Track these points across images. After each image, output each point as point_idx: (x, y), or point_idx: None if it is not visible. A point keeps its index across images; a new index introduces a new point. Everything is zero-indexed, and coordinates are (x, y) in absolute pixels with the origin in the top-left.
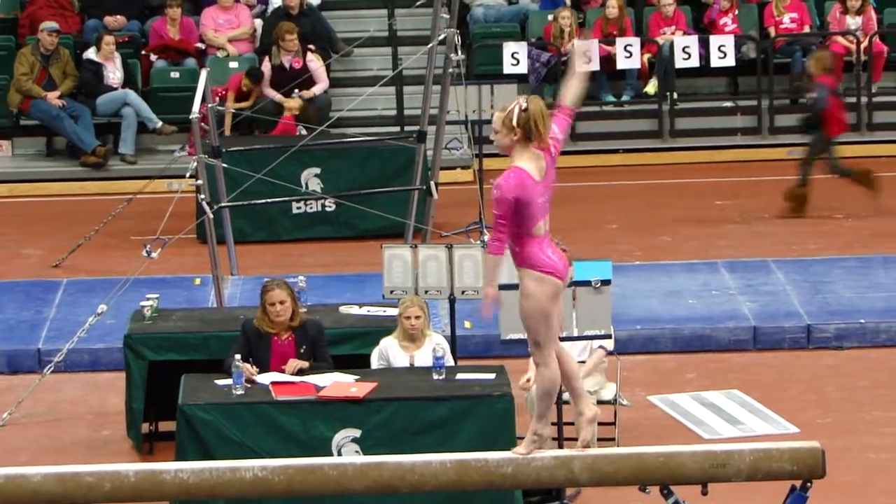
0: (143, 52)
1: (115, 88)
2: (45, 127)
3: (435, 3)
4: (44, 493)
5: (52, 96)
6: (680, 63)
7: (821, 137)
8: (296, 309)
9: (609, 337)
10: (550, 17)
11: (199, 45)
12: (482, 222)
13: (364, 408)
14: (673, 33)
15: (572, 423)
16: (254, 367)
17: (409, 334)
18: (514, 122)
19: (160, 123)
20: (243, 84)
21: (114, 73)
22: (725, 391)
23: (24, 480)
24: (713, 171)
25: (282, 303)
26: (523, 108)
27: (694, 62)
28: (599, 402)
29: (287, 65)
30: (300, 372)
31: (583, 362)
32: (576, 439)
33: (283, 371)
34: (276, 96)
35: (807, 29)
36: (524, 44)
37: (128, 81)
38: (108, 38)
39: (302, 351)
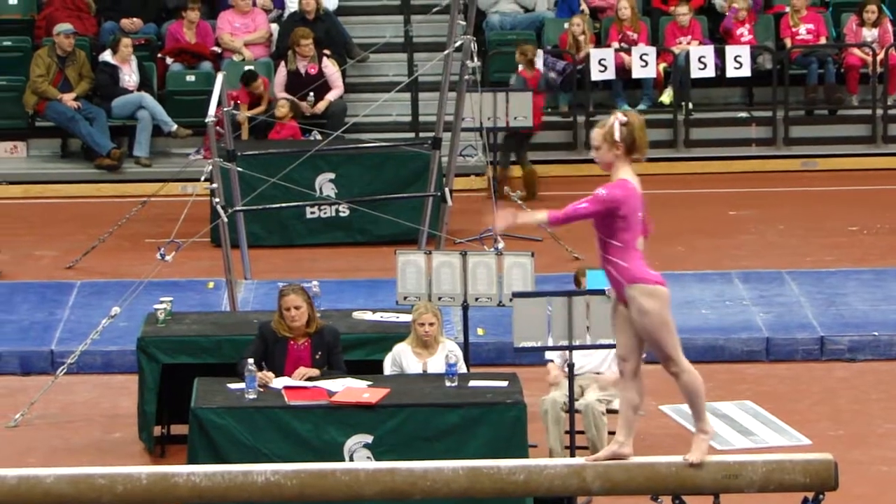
0: (160, 56)
1: (131, 91)
2: (60, 129)
3: (451, 9)
4: (56, 495)
5: (68, 98)
6: (695, 73)
7: None
8: (312, 314)
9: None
10: (566, 25)
11: (215, 48)
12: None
13: (376, 414)
14: (689, 43)
15: (581, 432)
16: (268, 372)
17: (423, 341)
18: (617, 137)
19: (175, 127)
20: (247, 90)
21: (129, 76)
22: (738, 402)
23: (36, 482)
24: (728, 182)
25: (297, 308)
26: (623, 122)
27: (709, 72)
28: (613, 412)
29: (303, 70)
30: (310, 379)
31: (599, 373)
32: (587, 448)
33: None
34: (288, 100)
35: (822, 40)
36: (540, 51)
37: (143, 84)
38: (126, 41)
39: (317, 357)
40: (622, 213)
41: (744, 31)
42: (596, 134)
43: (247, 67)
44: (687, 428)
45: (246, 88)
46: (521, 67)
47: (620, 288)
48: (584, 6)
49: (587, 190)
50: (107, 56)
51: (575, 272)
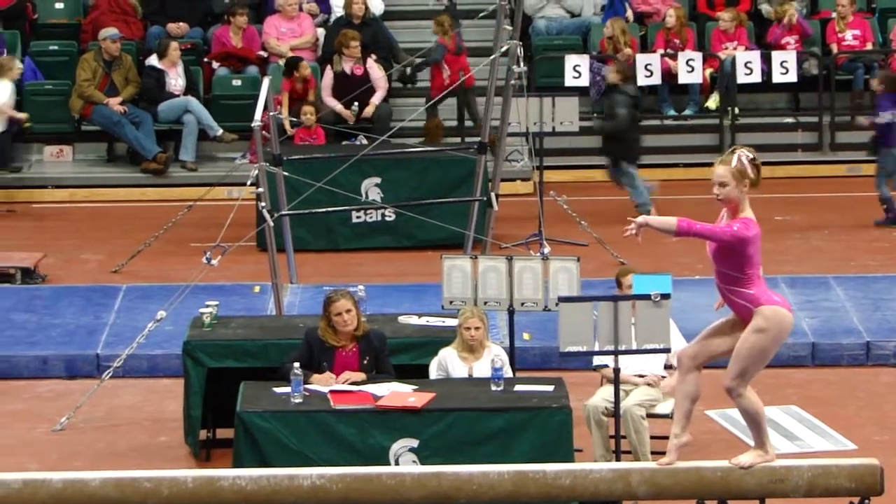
0: (206, 60)
1: (177, 95)
2: (107, 133)
3: (498, 14)
4: (101, 498)
5: (114, 102)
6: (742, 78)
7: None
8: (360, 319)
9: (668, 351)
10: (605, 30)
11: (262, 52)
12: (542, 234)
13: (422, 418)
14: (735, 48)
15: (625, 437)
16: (327, 374)
17: (469, 345)
18: (751, 175)
19: (220, 131)
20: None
21: (176, 81)
22: (783, 407)
23: (82, 485)
24: (773, 187)
25: (348, 311)
26: (751, 157)
27: (756, 78)
28: (656, 416)
29: (349, 71)
30: (355, 383)
31: (641, 376)
32: (629, 452)
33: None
34: (337, 106)
35: (869, 46)
36: (586, 56)
37: (189, 89)
38: (174, 45)
39: (365, 362)
40: (749, 252)
41: (790, 40)
42: (724, 171)
43: (289, 54)
44: (732, 432)
45: (289, 78)
46: (439, 36)
47: (748, 314)
48: (628, 12)
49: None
50: (153, 60)
51: (616, 274)
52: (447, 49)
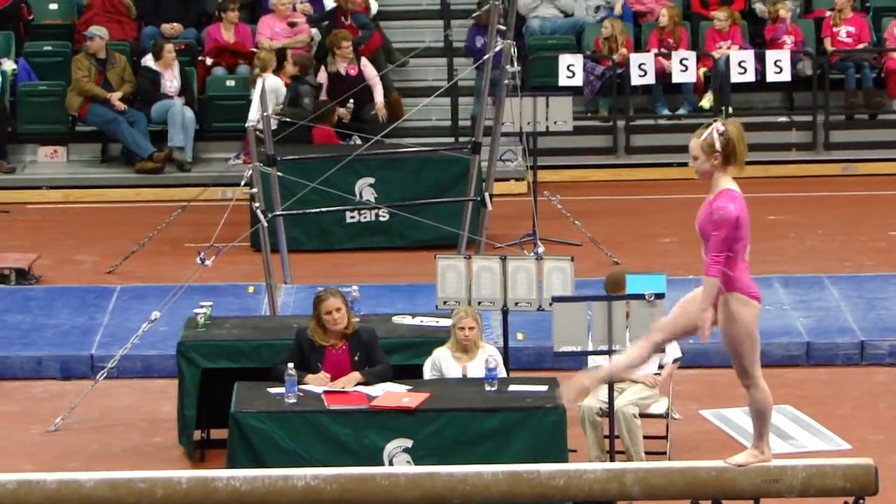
0: (200, 58)
1: (171, 97)
2: (101, 133)
3: (491, 14)
4: (96, 499)
5: (115, 97)
6: (736, 77)
7: None
8: (350, 317)
9: (662, 351)
10: (602, 30)
11: (255, 49)
12: (535, 234)
13: (416, 418)
14: (729, 48)
15: (619, 437)
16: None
17: (463, 345)
18: (718, 147)
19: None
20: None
21: (171, 82)
22: (778, 406)
23: (76, 486)
24: (767, 186)
25: (338, 310)
26: (721, 131)
27: (750, 77)
28: (651, 416)
29: (343, 72)
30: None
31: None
32: (623, 452)
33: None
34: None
35: (863, 45)
36: (580, 56)
37: (184, 90)
38: (169, 47)
39: (356, 359)
40: (741, 224)
41: (787, 40)
42: (694, 144)
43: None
44: (726, 432)
45: (277, 74)
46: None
47: (718, 294)
48: (617, 8)
49: (627, 194)
50: (149, 61)
51: (605, 278)
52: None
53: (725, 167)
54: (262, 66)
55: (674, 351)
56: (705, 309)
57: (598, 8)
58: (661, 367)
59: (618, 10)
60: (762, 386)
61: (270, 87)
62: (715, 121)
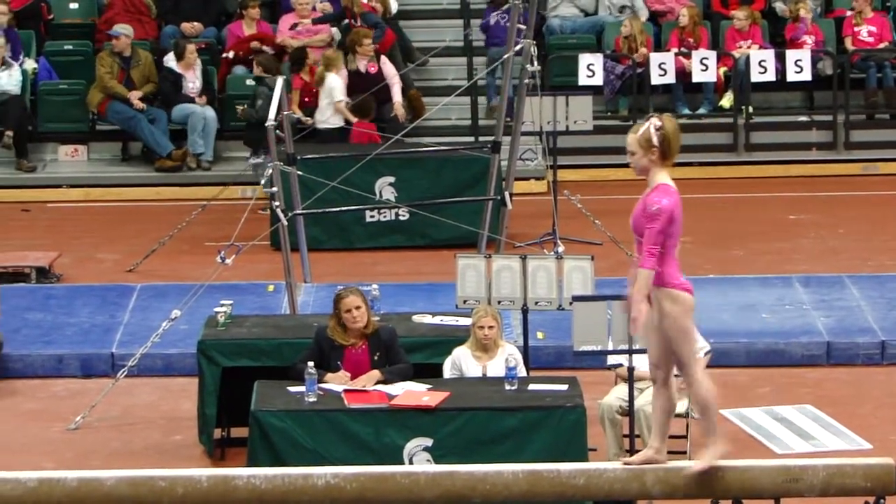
0: (223, 56)
1: (192, 98)
2: (121, 132)
3: (512, 13)
4: (116, 497)
5: (135, 96)
6: (756, 77)
7: None
8: (369, 316)
9: None
10: (622, 29)
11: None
12: (555, 233)
13: (436, 417)
14: (749, 47)
15: (639, 436)
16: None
17: (482, 344)
18: (655, 142)
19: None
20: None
21: (193, 83)
22: (798, 406)
23: (97, 484)
24: (788, 186)
25: (357, 308)
26: (658, 126)
27: (770, 76)
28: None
29: (363, 70)
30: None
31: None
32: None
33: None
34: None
35: (884, 45)
36: (600, 55)
37: (206, 91)
38: (191, 47)
39: (376, 358)
40: (674, 220)
41: (807, 39)
42: (631, 139)
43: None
44: (746, 431)
45: (297, 73)
46: None
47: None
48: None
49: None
50: (171, 61)
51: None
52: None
53: (662, 162)
54: (327, 64)
55: (700, 344)
56: (639, 301)
57: (622, 8)
58: None
59: (642, 15)
60: (701, 380)
61: (331, 85)
62: (651, 116)
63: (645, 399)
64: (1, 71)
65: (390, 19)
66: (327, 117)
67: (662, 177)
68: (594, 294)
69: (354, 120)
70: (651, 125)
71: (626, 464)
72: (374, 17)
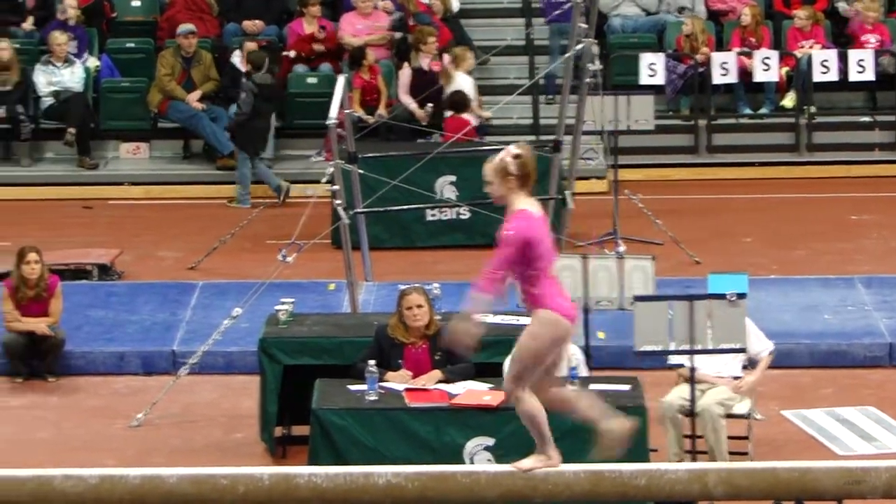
0: (283, 53)
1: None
2: (183, 130)
3: (573, 13)
4: (178, 495)
5: (193, 98)
6: (818, 77)
7: None
8: (432, 316)
9: (743, 350)
10: (683, 28)
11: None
12: (616, 233)
13: (498, 416)
14: (811, 47)
15: (701, 437)
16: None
17: None
18: (513, 171)
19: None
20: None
21: None
22: (860, 407)
23: (159, 482)
24: (850, 186)
25: (419, 306)
26: (515, 155)
27: (832, 76)
28: (733, 416)
29: (426, 67)
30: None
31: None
32: (705, 452)
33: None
34: (411, 105)
35: None
36: (661, 55)
37: None
38: (254, 46)
39: (437, 358)
40: (532, 243)
41: (871, 38)
42: (487, 168)
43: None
44: (808, 433)
45: (356, 71)
46: None
47: (529, 310)
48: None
49: (708, 193)
50: (236, 58)
51: None
52: None
53: (521, 189)
54: (457, 62)
55: (764, 344)
56: (463, 318)
57: (681, 9)
58: (745, 367)
59: (700, 10)
60: (525, 397)
61: (460, 85)
62: (509, 147)
63: (707, 400)
64: (64, 68)
65: (451, 18)
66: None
67: (521, 202)
68: (655, 294)
69: (487, 115)
70: (506, 154)
71: (520, 468)
72: (427, 17)
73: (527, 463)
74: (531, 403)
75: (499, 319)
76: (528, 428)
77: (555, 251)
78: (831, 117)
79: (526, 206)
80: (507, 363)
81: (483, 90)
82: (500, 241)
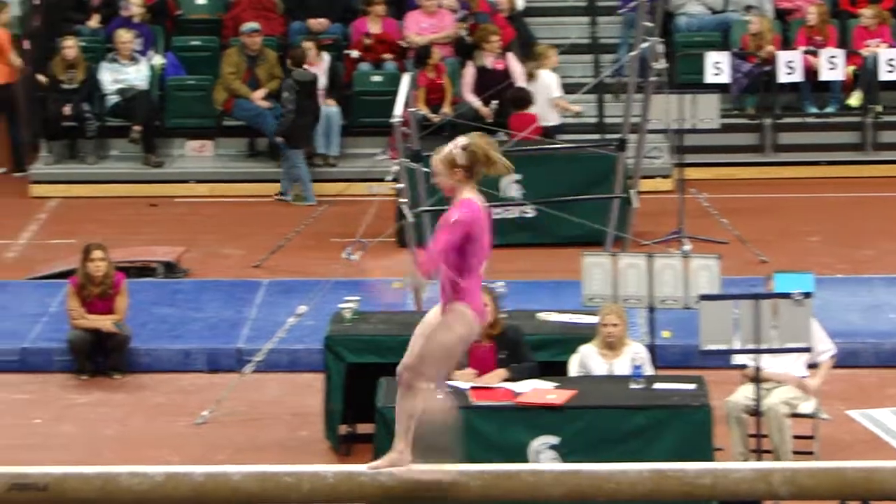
0: (346, 51)
1: (320, 93)
2: (248, 128)
3: (638, 11)
4: (243, 492)
5: (257, 96)
6: (884, 75)
7: None
8: (497, 316)
9: (809, 350)
10: (750, 27)
11: (401, 42)
12: (682, 232)
13: (563, 415)
14: (878, 45)
15: (766, 436)
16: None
17: (608, 342)
18: (461, 162)
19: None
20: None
21: (319, 80)
22: (893, 409)
23: (224, 479)
24: None
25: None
26: (464, 145)
27: None
28: (798, 416)
29: (490, 66)
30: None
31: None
32: (769, 451)
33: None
34: (475, 103)
35: None
36: (727, 53)
37: (333, 88)
38: (307, 44)
39: (502, 357)
40: (473, 234)
41: None
42: (434, 160)
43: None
44: (874, 433)
45: (422, 70)
46: None
47: (447, 301)
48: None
49: (774, 192)
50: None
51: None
52: None
53: (468, 181)
54: (539, 60)
55: (826, 346)
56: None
57: (748, 7)
58: (811, 366)
59: (768, 9)
60: (422, 393)
61: (546, 82)
62: (457, 138)
63: (773, 399)
64: (129, 66)
65: (516, 16)
66: (545, 114)
67: (467, 193)
68: (721, 293)
69: (576, 109)
70: (453, 146)
71: (371, 468)
72: (485, 17)
73: (378, 463)
74: (417, 402)
75: (563, 318)
76: (399, 420)
77: (490, 250)
78: None
79: (472, 196)
80: (440, 343)
81: None
82: (444, 225)
